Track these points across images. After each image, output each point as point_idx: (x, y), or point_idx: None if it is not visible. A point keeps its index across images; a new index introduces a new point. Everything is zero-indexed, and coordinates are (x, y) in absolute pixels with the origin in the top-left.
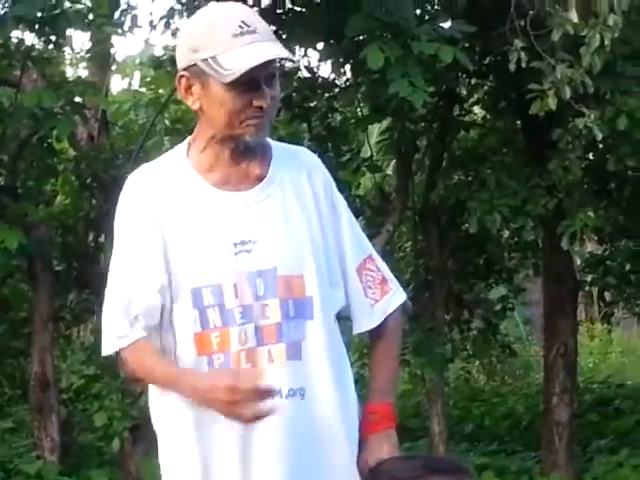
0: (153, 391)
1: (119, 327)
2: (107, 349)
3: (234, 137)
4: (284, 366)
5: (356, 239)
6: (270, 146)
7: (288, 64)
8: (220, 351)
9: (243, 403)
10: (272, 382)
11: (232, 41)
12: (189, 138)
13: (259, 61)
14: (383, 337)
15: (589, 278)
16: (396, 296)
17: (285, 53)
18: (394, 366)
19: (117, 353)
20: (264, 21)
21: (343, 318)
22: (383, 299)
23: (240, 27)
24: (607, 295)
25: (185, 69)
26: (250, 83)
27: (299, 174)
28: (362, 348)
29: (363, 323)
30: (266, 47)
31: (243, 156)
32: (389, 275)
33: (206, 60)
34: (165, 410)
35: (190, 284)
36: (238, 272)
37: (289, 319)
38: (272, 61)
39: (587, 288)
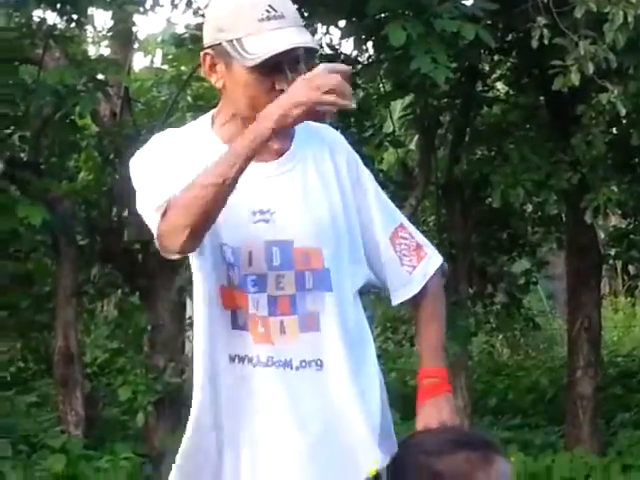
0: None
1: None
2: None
3: (255, 119)
4: (296, 338)
5: (386, 210)
6: None
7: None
8: (241, 309)
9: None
10: (283, 353)
11: (258, 25)
12: (213, 111)
13: (283, 48)
14: (427, 301)
15: (613, 252)
16: (433, 260)
17: (310, 42)
18: (442, 328)
19: None
20: (292, 5)
21: (366, 293)
22: (420, 264)
23: (267, 11)
24: (631, 268)
25: (210, 47)
26: (273, 67)
27: (321, 150)
28: (385, 322)
29: (402, 292)
30: (291, 34)
31: None
32: (423, 240)
33: (231, 41)
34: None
35: (218, 239)
36: (255, 240)
37: (306, 291)
38: (296, 48)
39: (611, 262)
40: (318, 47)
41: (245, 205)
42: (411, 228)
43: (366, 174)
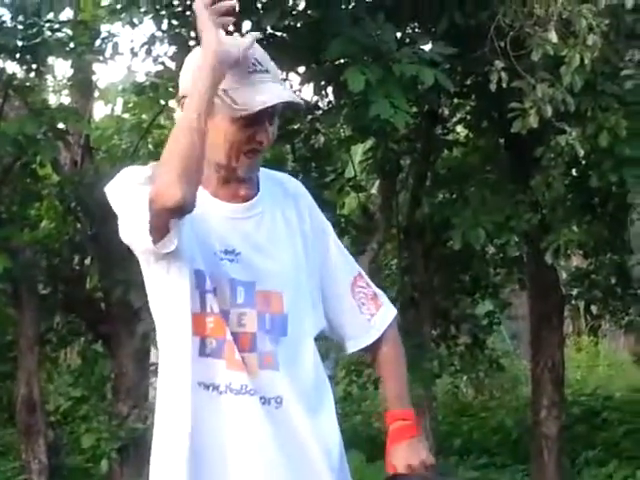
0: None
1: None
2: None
3: (229, 169)
4: (256, 375)
5: (345, 260)
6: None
7: None
8: (213, 335)
9: None
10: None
11: (246, 77)
12: None
13: (273, 102)
14: (387, 346)
15: (575, 292)
16: (389, 308)
17: (295, 98)
18: (405, 372)
19: None
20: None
21: (329, 337)
22: (379, 312)
23: (254, 65)
24: (593, 308)
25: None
26: (255, 119)
27: (285, 199)
28: (349, 365)
29: (363, 339)
30: (278, 88)
31: (232, 181)
32: (378, 290)
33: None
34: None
35: (194, 265)
36: (220, 277)
37: (265, 331)
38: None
39: (573, 302)
40: (302, 103)
41: (214, 242)
42: (366, 278)
43: (326, 224)
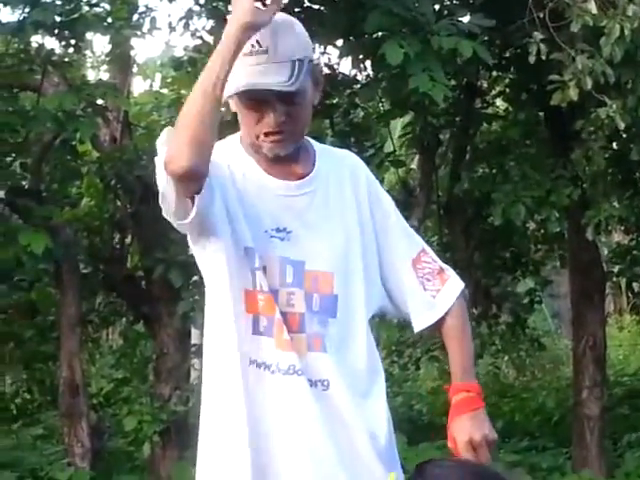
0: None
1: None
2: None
3: (257, 147)
4: (305, 356)
5: (407, 234)
6: (313, 148)
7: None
8: (264, 314)
9: None
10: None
11: (241, 59)
12: (240, 133)
13: (241, 89)
14: (454, 320)
15: (616, 269)
16: (456, 282)
17: (277, 84)
18: (471, 346)
19: None
20: (284, 38)
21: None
22: (444, 287)
23: (252, 46)
24: (635, 286)
25: None
26: (261, 100)
27: (342, 175)
28: (390, 345)
29: (426, 317)
30: (262, 73)
31: (282, 159)
32: (444, 265)
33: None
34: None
35: (244, 242)
36: (270, 255)
37: (312, 312)
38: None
39: (615, 279)
40: (285, 89)
41: (264, 219)
42: (432, 253)
43: (387, 198)
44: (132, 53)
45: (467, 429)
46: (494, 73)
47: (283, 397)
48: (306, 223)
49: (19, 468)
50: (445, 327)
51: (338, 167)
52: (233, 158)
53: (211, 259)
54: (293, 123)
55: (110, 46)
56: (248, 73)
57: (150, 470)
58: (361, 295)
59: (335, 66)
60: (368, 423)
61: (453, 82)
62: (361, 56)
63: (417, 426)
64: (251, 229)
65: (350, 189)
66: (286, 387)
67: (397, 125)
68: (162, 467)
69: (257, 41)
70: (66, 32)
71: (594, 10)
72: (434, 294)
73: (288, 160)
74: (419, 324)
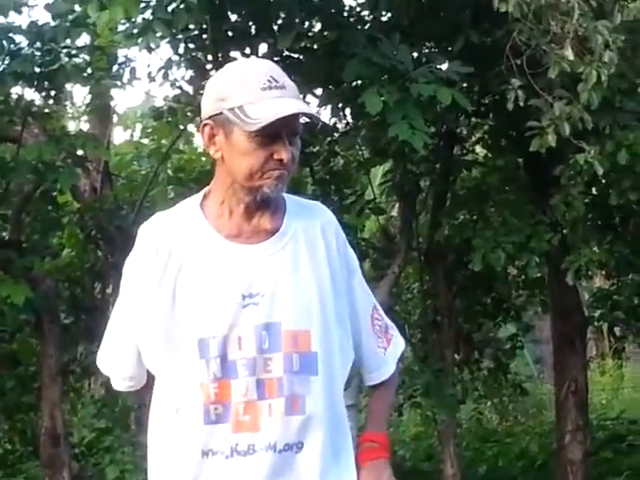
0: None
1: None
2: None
3: (253, 189)
4: (282, 421)
5: (366, 292)
6: (284, 200)
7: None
8: (218, 402)
9: None
10: (268, 437)
11: (261, 93)
12: (205, 189)
13: (287, 112)
14: (388, 379)
15: (598, 313)
16: (399, 340)
17: (312, 111)
18: (392, 401)
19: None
20: (289, 79)
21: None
22: (390, 346)
23: (269, 81)
24: (617, 330)
25: (209, 118)
26: (273, 135)
27: (313, 228)
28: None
29: (379, 373)
30: (294, 102)
31: (257, 210)
32: (389, 321)
33: (233, 109)
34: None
35: (197, 335)
36: (244, 324)
37: (292, 373)
38: (296, 118)
39: (596, 323)
40: (320, 117)
41: (234, 289)
42: (380, 309)
43: (352, 256)
44: (112, 103)
45: (364, 478)
46: (473, 120)
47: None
48: (278, 284)
49: None
50: (376, 386)
51: (309, 221)
52: (184, 236)
53: (162, 365)
54: (293, 164)
55: (90, 97)
56: (276, 104)
57: None
58: (337, 351)
59: (320, 117)
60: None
61: (432, 129)
62: (340, 104)
63: (400, 472)
64: (216, 311)
65: (322, 243)
66: (244, 469)
67: (377, 172)
68: None
69: (272, 77)
70: (46, 83)
71: (571, 57)
72: (383, 351)
73: (263, 210)
74: (372, 379)
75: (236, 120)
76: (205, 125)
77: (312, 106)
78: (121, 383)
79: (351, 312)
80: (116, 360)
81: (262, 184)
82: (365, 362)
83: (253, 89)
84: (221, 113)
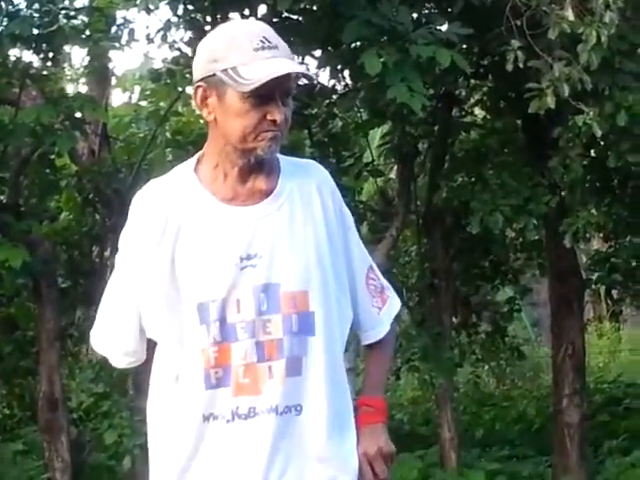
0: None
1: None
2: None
3: (247, 150)
4: (283, 383)
5: (361, 251)
6: (278, 161)
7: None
8: (218, 365)
9: None
10: (270, 399)
11: (253, 54)
12: (199, 153)
13: (280, 72)
14: (383, 340)
15: (595, 276)
16: (394, 301)
17: (304, 69)
18: (389, 365)
19: None
20: (281, 39)
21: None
22: (385, 306)
23: (262, 42)
24: (614, 293)
25: (202, 79)
26: (266, 96)
27: (308, 187)
28: None
29: (373, 333)
30: (287, 62)
31: (251, 172)
32: (385, 282)
33: (226, 70)
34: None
35: (196, 299)
36: (242, 286)
37: (292, 334)
38: (289, 79)
39: (594, 286)
40: (313, 76)
41: (232, 252)
42: (377, 270)
43: (348, 214)
44: (110, 65)
45: (362, 442)
46: (472, 81)
47: (241, 443)
48: (275, 244)
49: None
50: (374, 344)
51: (304, 180)
52: (179, 201)
53: (163, 332)
54: (286, 125)
55: (88, 58)
56: (269, 64)
57: None
58: (335, 311)
59: (313, 76)
60: (339, 445)
61: (431, 91)
62: (339, 66)
63: (398, 435)
64: (214, 275)
65: (318, 201)
66: (245, 432)
67: (376, 135)
68: None
69: (265, 37)
70: (44, 45)
71: (571, 17)
72: (377, 311)
73: (257, 172)
74: (366, 338)
75: (229, 81)
76: (198, 87)
77: (311, 67)
78: (121, 359)
79: (348, 271)
80: (116, 335)
81: (256, 146)
82: (360, 321)
83: (246, 50)
84: (214, 74)
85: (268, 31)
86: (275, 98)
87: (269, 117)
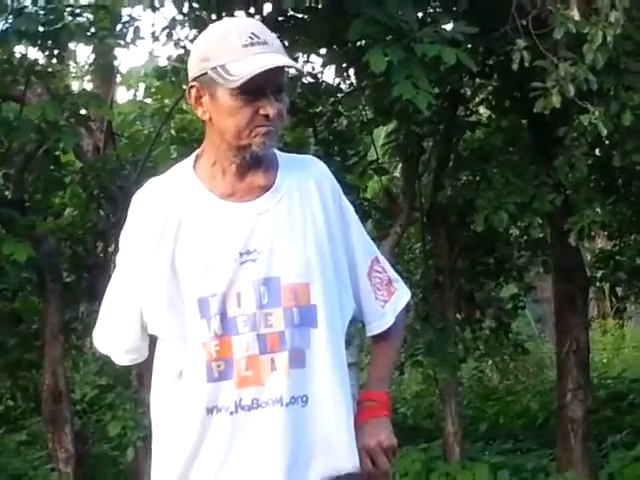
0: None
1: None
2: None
3: (242, 147)
4: (286, 374)
5: (364, 243)
6: (276, 156)
7: (292, 70)
8: (220, 358)
9: None
10: (274, 391)
11: (242, 50)
12: (197, 151)
13: (267, 66)
14: (389, 333)
15: (600, 274)
16: (402, 294)
17: (292, 63)
18: (395, 359)
19: None
20: (273, 34)
21: (354, 321)
22: (391, 299)
23: (250, 38)
24: (618, 290)
25: (195, 79)
26: (257, 92)
27: (306, 182)
28: None
29: (376, 325)
30: (275, 57)
31: (249, 168)
32: (394, 275)
33: (215, 68)
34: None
35: (196, 294)
36: (242, 281)
37: (293, 327)
38: (280, 73)
39: (598, 284)
40: (301, 68)
41: (232, 247)
42: (383, 262)
43: (348, 207)
44: (115, 63)
45: (363, 436)
46: (477, 80)
47: (247, 433)
48: (274, 239)
49: (3, 474)
50: (380, 338)
51: (303, 175)
52: (178, 199)
53: (165, 329)
54: (280, 120)
55: (93, 56)
56: (257, 59)
57: (134, 475)
58: (336, 304)
59: (318, 75)
60: (348, 433)
61: (436, 90)
62: (344, 64)
63: (401, 429)
64: (214, 269)
65: (317, 195)
66: (250, 424)
67: (380, 133)
68: (146, 472)
69: (253, 33)
70: (49, 42)
71: (577, 17)
72: (382, 304)
73: (255, 168)
74: (369, 330)
75: (219, 79)
76: (191, 87)
77: (316, 66)
78: (124, 357)
79: (349, 263)
80: (118, 333)
81: (250, 143)
82: (364, 314)
83: (235, 47)
84: (205, 73)
85: (257, 27)
86: (266, 93)
87: (261, 112)
